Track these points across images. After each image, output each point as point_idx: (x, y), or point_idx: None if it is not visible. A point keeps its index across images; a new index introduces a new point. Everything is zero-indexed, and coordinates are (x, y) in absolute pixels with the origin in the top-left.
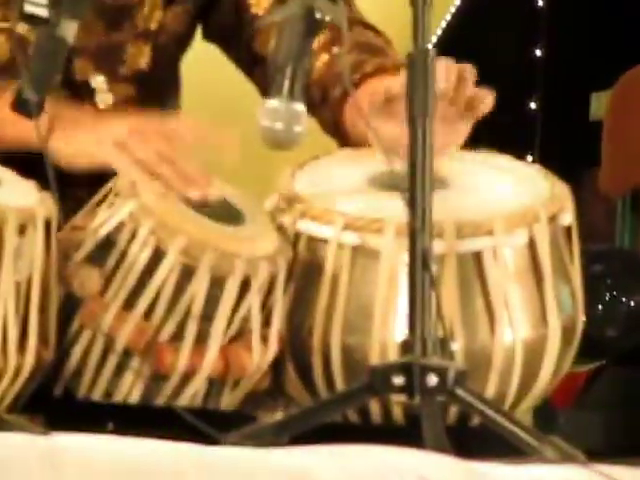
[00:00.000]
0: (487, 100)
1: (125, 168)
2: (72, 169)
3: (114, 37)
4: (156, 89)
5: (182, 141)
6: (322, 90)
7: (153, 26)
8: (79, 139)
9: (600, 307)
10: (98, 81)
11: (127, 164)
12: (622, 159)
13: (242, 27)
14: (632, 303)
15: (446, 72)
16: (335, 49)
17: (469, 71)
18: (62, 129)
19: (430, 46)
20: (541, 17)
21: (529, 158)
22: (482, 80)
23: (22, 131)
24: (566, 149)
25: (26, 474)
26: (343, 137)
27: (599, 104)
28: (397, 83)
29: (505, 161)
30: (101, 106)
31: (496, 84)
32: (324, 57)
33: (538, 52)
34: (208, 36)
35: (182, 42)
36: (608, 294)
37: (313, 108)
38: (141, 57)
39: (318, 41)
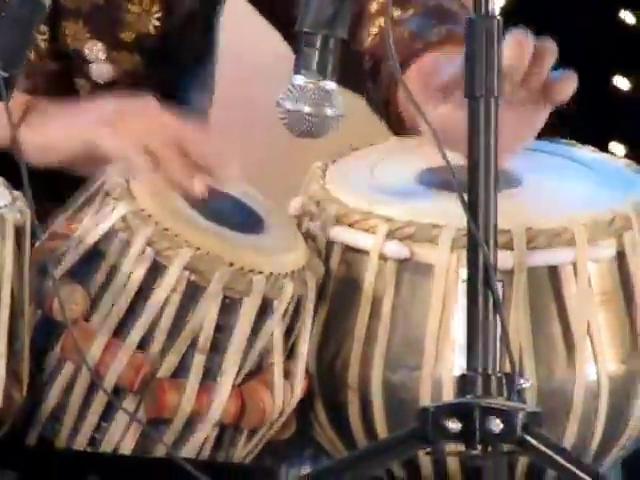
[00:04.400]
0: (569, 87)
1: (119, 148)
2: (43, 165)
3: None
4: (171, 60)
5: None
6: (374, 62)
7: None
8: (56, 125)
9: None
10: (94, 50)
11: (121, 143)
12: None
13: None
14: None
15: (518, 48)
16: (396, 13)
17: (549, 50)
18: (36, 116)
19: (497, 11)
20: None
21: (617, 148)
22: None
23: None
24: None
25: None
26: (395, 120)
27: None
28: (457, 68)
29: (588, 154)
30: (98, 81)
31: (576, 55)
32: (380, 21)
33: (630, 16)
34: None
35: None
36: None
37: (362, 82)
38: (149, 19)
39: (376, 2)
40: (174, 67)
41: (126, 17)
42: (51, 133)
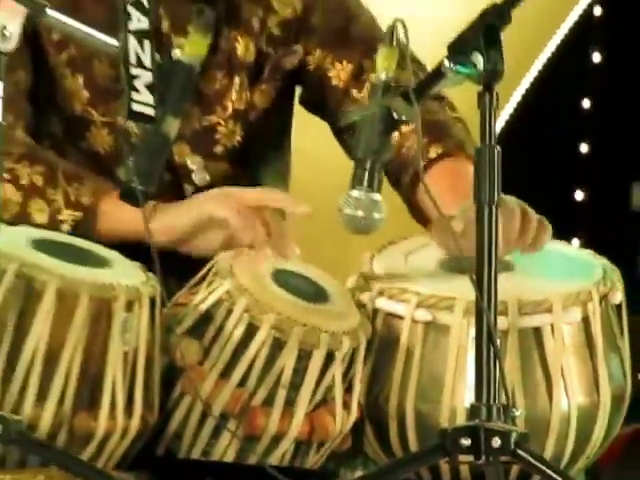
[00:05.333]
0: (547, 235)
1: (223, 213)
2: (167, 244)
3: (208, 121)
4: (253, 164)
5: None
6: (395, 173)
7: (242, 106)
8: (176, 209)
9: None
10: (195, 162)
11: (228, 211)
12: None
13: (326, 97)
14: None
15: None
16: (404, 127)
17: (531, 217)
18: (161, 211)
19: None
20: (586, 116)
21: (574, 242)
22: (534, 172)
23: (124, 224)
24: (609, 235)
25: None
26: (418, 213)
27: (639, 194)
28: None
29: (561, 246)
30: (199, 184)
31: (545, 177)
32: (395, 135)
33: (584, 147)
34: (302, 104)
35: (276, 117)
36: None
37: (391, 184)
38: (234, 136)
39: None
40: (255, 171)
41: (217, 137)
42: (173, 215)
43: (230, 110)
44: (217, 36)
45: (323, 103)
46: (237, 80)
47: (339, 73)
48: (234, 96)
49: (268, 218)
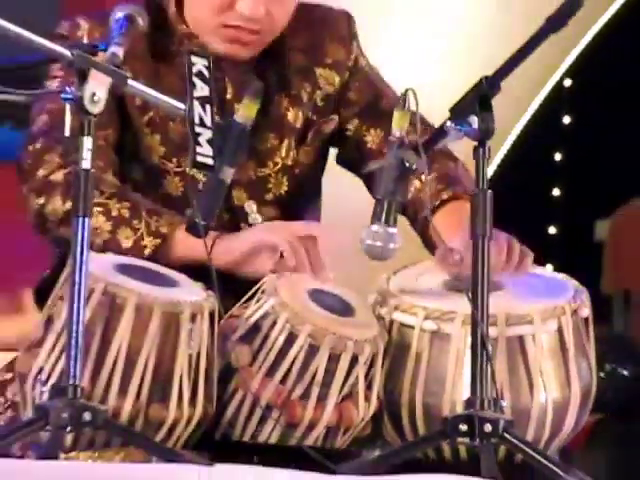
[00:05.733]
0: (529, 261)
1: (274, 239)
2: (229, 270)
3: (261, 172)
4: (295, 209)
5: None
6: (414, 209)
7: (289, 162)
8: (233, 238)
9: (602, 375)
10: (250, 206)
11: (279, 239)
12: (617, 269)
13: (361, 156)
14: (625, 372)
15: (499, 251)
16: (424, 177)
17: (515, 248)
18: (220, 241)
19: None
20: (558, 167)
21: (548, 267)
22: (516, 211)
23: (193, 250)
24: (576, 262)
25: None
26: (429, 243)
27: (601, 229)
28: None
29: (540, 271)
30: (253, 224)
31: (525, 215)
32: (416, 183)
33: (556, 191)
34: (339, 162)
35: (314, 171)
36: (608, 365)
37: (409, 220)
38: (282, 186)
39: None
40: (297, 213)
41: (268, 186)
42: (233, 239)
43: (279, 165)
44: (270, 103)
45: (360, 161)
46: (286, 141)
47: (373, 138)
48: (283, 154)
49: (309, 247)
